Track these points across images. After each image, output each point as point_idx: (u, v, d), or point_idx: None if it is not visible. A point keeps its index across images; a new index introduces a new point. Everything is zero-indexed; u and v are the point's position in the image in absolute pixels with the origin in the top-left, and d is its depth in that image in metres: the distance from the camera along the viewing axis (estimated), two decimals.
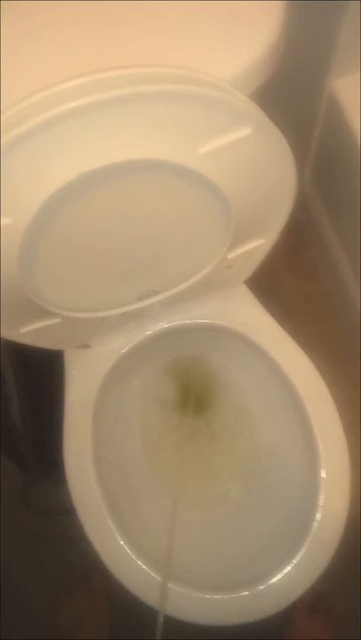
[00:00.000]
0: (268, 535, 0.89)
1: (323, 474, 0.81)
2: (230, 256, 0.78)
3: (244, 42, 0.59)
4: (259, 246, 0.80)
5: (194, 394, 1.02)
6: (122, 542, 0.80)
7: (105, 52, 0.56)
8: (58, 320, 0.76)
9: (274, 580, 0.78)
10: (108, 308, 0.79)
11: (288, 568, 0.78)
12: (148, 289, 0.80)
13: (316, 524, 0.79)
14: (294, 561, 0.78)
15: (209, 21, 0.59)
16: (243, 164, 0.59)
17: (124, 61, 0.51)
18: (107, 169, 0.53)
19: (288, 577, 0.78)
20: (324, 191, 1.21)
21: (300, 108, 1.07)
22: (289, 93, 0.98)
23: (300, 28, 0.72)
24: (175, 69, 0.53)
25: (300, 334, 0.90)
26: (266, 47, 0.59)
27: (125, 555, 0.80)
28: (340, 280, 1.23)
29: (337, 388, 0.86)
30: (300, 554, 0.78)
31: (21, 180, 0.52)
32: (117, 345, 0.90)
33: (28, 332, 0.77)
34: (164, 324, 0.91)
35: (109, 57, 0.53)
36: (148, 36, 0.58)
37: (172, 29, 0.58)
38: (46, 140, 0.50)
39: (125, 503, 0.88)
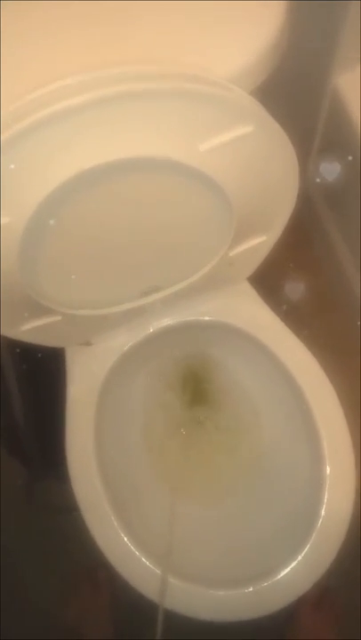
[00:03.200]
0: (273, 531, 0.88)
1: (327, 469, 0.81)
2: (232, 253, 0.78)
3: (245, 39, 0.59)
4: (261, 243, 0.80)
5: (197, 391, 1.02)
6: (125, 538, 0.80)
7: (105, 50, 0.56)
8: (59, 318, 0.76)
9: (278, 576, 0.78)
10: (109, 306, 0.79)
11: (293, 564, 0.78)
12: (150, 285, 0.79)
13: (320, 520, 0.79)
14: (299, 557, 0.78)
15: (209, 18, 0.59)
16: (244, 162, 0.59)
17: (123, 59, 0.51)
18: (106, 166, 0.53)
19: (293, 573, 0.78)
20: (326, 187, 1.21)
21: (303, 105, 1.06)
22: (292, 90, 0.97)
23: (303, 24, 0.71)
24: (176, 67, 0.52)
25: (302, 330, 0.89)
26: (267, 44, 0.59)
27: (128, 550, 0.80)
28: (343, 276, 1.23)
29: (339, 383, 0.86)
30: (305, 550, 0.78)
31: (20, 179, 0.52)
32: (119, 342, 0.90)
33: (28, 330, 0.76)
34: (166, 322, 0.91)
35: (109, 54, 0.53)
36: (149, 34, 0.58)
37: (173, 27, 0.58)
38: (46, 138, 0.50)
39: (128, 500, 0.88)
